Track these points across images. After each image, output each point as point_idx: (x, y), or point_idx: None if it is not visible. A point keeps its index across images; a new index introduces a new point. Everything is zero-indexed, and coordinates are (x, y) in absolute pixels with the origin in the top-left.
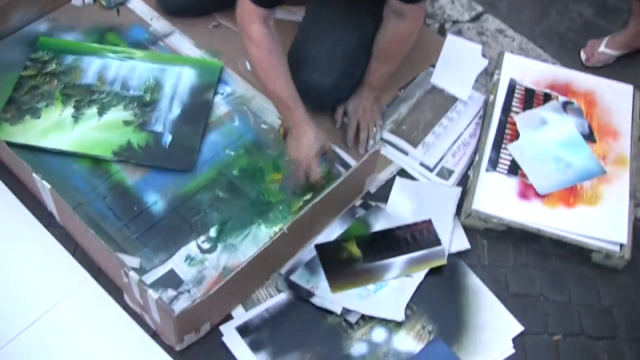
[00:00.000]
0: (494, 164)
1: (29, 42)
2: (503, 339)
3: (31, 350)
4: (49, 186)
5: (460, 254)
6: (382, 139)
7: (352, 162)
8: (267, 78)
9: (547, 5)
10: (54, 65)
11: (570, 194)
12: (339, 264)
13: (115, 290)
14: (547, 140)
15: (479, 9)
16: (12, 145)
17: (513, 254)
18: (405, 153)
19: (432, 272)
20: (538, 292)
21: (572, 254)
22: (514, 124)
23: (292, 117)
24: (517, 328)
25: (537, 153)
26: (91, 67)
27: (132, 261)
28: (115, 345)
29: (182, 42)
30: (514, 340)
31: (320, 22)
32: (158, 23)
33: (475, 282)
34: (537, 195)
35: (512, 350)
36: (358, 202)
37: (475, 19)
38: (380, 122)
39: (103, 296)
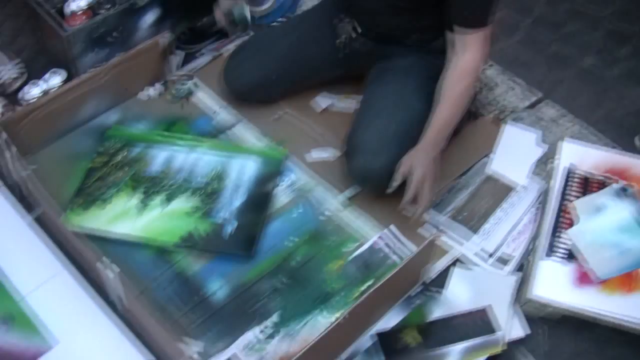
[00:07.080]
0: (551, 250)
1: (99, 133)
2: None
3: None
4: (118, 269)
5: (521, 340)
6: (440, 229)
7: (408, 252)
8: None
9: (604, 90)
10: (121, 156)
11: (629, 279)
12: (399, 351)
13: None
14: (606, 226)
15: (539, 94)
16: (79, 235)
17: (574, 339)
18: (465, 239)
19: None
20: None
21: (632, 341)
22: (569, 212)
23: None
24: None
25: (597, 238)
26: (158, 157)
27: (197, 345)
28: None
29: (248, 131)
30: None
31: (371, 109)
32: (222, 115)
33: None
34: (594, 281)
35: None
36: (418, 289)
37: (533, 105)
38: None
39: None
